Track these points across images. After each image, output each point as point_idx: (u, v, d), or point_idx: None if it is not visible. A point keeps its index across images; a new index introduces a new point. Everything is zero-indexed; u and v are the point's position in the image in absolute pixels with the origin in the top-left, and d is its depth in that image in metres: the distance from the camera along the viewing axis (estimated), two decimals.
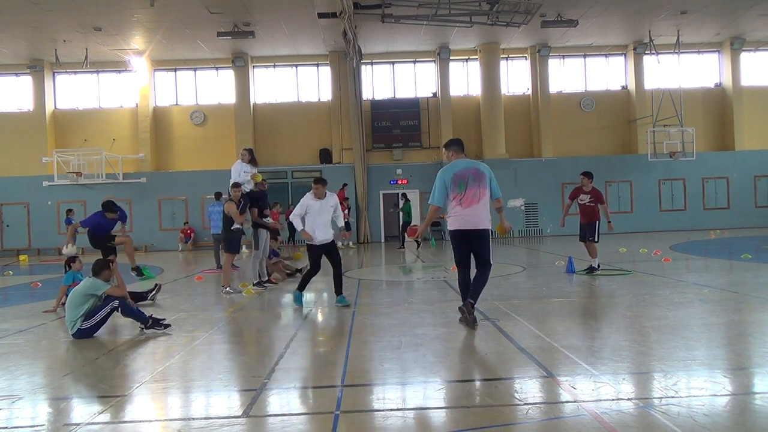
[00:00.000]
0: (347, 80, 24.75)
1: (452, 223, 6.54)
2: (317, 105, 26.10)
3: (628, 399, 4.08)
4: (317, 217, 8.32)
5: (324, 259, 8.39)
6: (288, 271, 12.10)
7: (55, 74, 25.57)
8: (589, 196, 10.98)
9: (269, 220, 11.04)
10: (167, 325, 6.91)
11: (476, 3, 19.49)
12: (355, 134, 24.48)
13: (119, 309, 6.82)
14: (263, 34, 22.09)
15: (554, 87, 26.18)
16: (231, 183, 10.40)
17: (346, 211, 20.69)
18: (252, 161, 10.97)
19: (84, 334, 6.68)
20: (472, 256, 6.64)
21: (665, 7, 21.20)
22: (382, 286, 11.10)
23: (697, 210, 25.59)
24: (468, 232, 6.48)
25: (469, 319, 6.45)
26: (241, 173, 10.71)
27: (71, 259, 8.95)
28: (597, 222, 10.96)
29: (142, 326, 6.85)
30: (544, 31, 22.82)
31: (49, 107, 25.18)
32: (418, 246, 19.79)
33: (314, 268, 8.42)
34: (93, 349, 6.21)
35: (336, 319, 7.62)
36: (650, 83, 25.77)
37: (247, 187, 10.63)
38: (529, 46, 25.57)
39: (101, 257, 7.33)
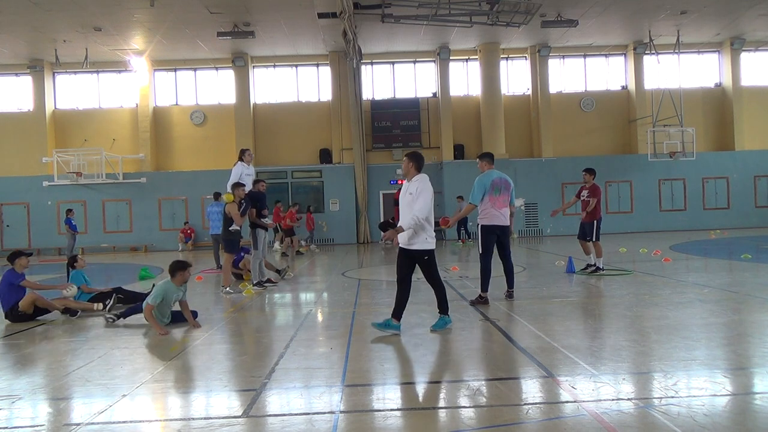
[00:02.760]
0: (347, 80, 24.75)
1: (489, 220, 8.03)
2: (317, 105, 26.08)
3: (628, 399, 4.08)
4: (402, 207, 6.21)
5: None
6: (275, 270, 11.85)
7: (55, 74, 25.55)
8: (588, 192, 10.96)
9: (267, 220, 11.03)
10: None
11: (476, 3, 19.46)
12: (355, 134, 24.48)
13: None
14: (263, 34, 22.08)
15: (554, 87, 26.16)
16: (231, 183, 10.38)
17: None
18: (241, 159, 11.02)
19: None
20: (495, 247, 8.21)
21: (665, 7, 21.19)
22: (382, 286, 11.09)
23: (697, 210, 25.59)
24: (500, 227, 8.09)
25: (507, 295, 8.36)
26: (242, 175, 10.70)
27: (73, 258, 9.00)
28: (596, 221, 10.91)
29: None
30: (544, 31, 22.81)
31: (49, 107, 25.16)
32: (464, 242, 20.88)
33: (398, 284, 6.29)
34: (93, 349, 6.21)
35: (336, 319, 7.63)
36: (650, 83, 25.74)
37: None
38: (529, 46, 25.55)
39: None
